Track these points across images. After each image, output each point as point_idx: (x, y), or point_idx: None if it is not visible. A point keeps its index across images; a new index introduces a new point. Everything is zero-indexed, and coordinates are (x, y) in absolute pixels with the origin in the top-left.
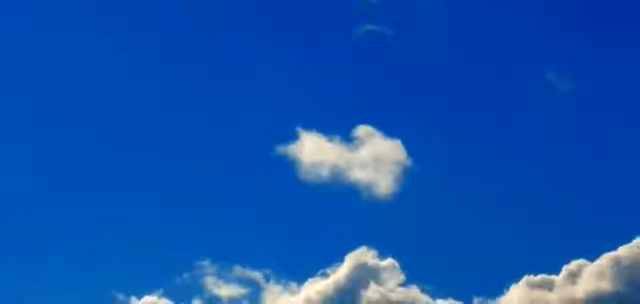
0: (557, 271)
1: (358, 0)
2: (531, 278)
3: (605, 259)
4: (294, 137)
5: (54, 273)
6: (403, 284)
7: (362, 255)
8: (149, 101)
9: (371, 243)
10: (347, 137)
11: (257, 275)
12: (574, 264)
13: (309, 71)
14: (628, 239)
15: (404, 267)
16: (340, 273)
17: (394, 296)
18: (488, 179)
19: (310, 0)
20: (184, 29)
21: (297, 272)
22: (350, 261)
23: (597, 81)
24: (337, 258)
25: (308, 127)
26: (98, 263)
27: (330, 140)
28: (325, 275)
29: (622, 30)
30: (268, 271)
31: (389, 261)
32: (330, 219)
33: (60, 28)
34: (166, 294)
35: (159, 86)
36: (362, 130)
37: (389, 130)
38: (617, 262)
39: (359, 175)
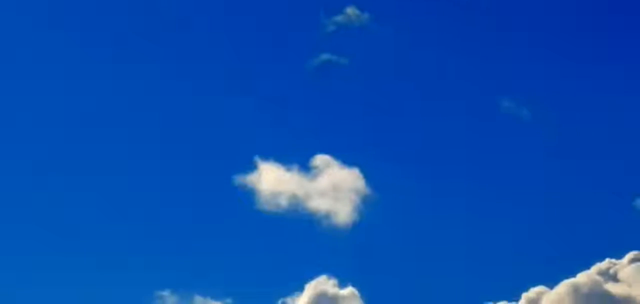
0: (516, 298)
1: (314, 29)
2: None
3: (564, 286)
4: (252, 167)
5: None
6: None
7: (322, 284)
8: (114, 129)
9: (331, 271)
10: (305, 167)
11: None
12: (533, 292)
13: (266, 101)
14: (587, 266)
15: (364, 295)
16: (301, 302)
17: None
18: (447, 207)
19: (266, 31)
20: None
21: (258, 301)
22: (310, 290)
23: (555, 107)
24: (296, 287)
25: (266, 157)
26: (57, 297)
27: (288, 170)
28: None
29: (580, 54)
30: (229, 301)
31: (349, 290)
32: (290, 249)
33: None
34: None
35: (122, 113)
36: (320, 159)
37: (347, 159)
38: (576, 289)
39: (317, 204)
